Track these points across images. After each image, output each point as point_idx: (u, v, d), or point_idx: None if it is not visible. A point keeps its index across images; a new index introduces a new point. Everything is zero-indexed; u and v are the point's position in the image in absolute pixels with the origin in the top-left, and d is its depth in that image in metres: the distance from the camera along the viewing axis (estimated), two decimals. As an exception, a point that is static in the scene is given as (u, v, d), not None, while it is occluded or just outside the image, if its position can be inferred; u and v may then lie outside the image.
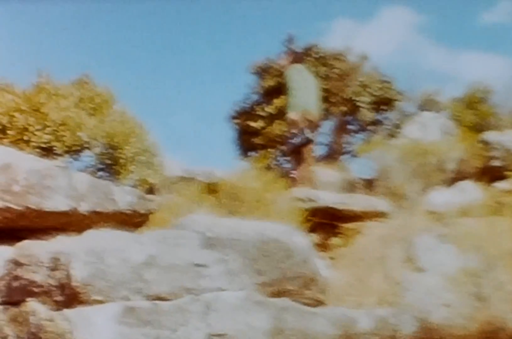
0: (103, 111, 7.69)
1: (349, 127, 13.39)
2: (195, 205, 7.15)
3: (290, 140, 10.19)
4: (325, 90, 11.60)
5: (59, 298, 4.46)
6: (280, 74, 11.73)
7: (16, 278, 4.70)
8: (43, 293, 4.52)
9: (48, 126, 7.01)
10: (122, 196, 5.91)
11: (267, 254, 5.31)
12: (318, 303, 5.65)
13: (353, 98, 12.83)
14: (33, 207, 5.30)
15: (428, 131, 10.74)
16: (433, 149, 9.50)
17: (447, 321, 6.22)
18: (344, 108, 12.91)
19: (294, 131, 9.89)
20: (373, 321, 5.55)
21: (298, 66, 10.39)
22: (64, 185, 5.45)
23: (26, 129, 6.92)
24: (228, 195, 7.62)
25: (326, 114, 12.26)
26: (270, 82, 12.91)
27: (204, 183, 8.05)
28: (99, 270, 4.44)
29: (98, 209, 5.66)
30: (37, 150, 6.81)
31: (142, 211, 6.08)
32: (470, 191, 8.79)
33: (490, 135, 9.89)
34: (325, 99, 11.47)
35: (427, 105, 12.90)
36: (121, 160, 7.35)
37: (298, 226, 6.60)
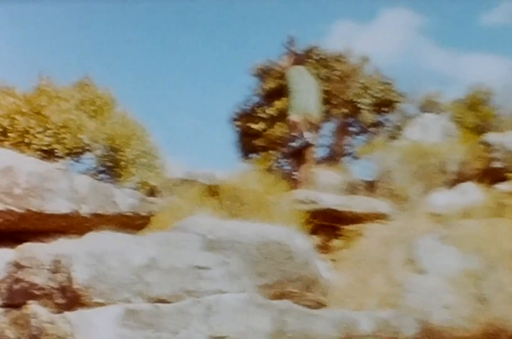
0: (104, 113, 7.69)
1: (350, 129, 13.39)
2: (196, 207, 7.15)
3: (290, 143, 10.18)
4: (326, 92, 11.61)
5: (60, 300, 4.45)
6: (281, 76, 11.73)
7: (17, 280, 4.69)
8: (44, 296, 4.51)
9: (49, 129, 7.01)
10: (123, 198, 5.90)
11: (269, 256, 5.31)
12: (320, 305, 5.64)
13: (354, 100, 12.83)
14: (34, 209, 5.30)
15: (429, 132, 10.74)
16: (434, 150, 9.50)
17: (448, 323, 6.22)
18: (345, 110, 12.91)
19: (294, 133, 9.89)
20: (374, 323, 5.54)
21: (300, 68, 10.39)
22: (65, 188, 5.45)
23: (27, 132, 6.93)
24: (229, 197, 7.62)
25: (327, 116, 12.26)
26: (271, 84, 12.91)
27: (205, 185, 8.05)
28: (100, 273, 4.44)
29: (99, 212, 5.66)
30: (38, 152, 6.82)
31: (143, 214, 6.08)
32: (472, 193, 8.78)
33: (491, 137, 9.88)
34: (326, 101, 11.48)
35: (428, 106, 12.90)
36: (122, 163, 7.35)
37: (299, 228, 6.61)
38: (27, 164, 5.51)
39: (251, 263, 5.18)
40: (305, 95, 10.00)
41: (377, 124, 13.14)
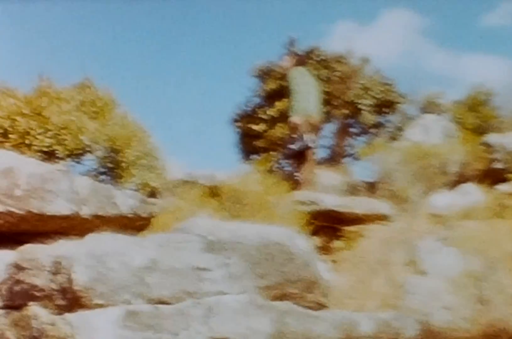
0: (104, 114, 7.69)
1: (351, 130, 13.38)
2: (197, 209, 7.15)
3: (289, 145, 10.16)
4: (327, 93, 11.59)
5: (61, 302, 4.46)
6: (282, 77, 11.72)
7: (18, 282, 4.70)
8: (45, 297, 4.51)
9: (50, 130, 7.01)
10: (124, 199, 5.91)
11: (269, 257, 5.30)
12: (320, 306, 5.64)
13: (355, 101, 12.82)
14: (34, 211, 5.30)
15: (430, 133, 10.74)
16: (435, 151, 9.50)
17: (449, 324, 6.22)
18: (346, 111, 12.90)
19: (294, 135, 9.87)
20: (375, 324, 5.54)
21: (301, 69, 10.36)
22: (65, 189, 5.45)
23: (27, 133, 6.93)
24: (230, 199, 7.62)
25: (328, 117, 12.25)
26: (272, 85, 12.90)
27: (206, 186, 8.05)
28: (101, 274, 4.44)
29: (99, 213, 5.66)
30: (39, 154, 6.81)
31: (144, 215, 6.08)
32: (472, 194, 8.79)
33: (492, 138, 9.89)
34: (327, 102, 11.47)
35: (429, 107, 12.89)
36: (123, 164, 7.35)
37: (300, 229, 6.60)
38: (27, 166, 5.51)
39: (252, 264, 5.18)
40: (306, 96, 9.97)
41: (377, 125, 13.14)
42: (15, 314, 4.63)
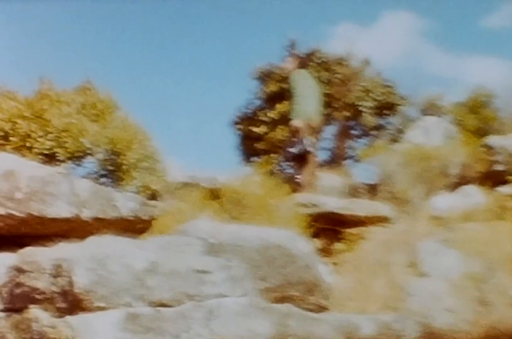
0: (105, 117, 7.70)
1: (352, 132, 13.41)
2: (198, 211, 7.15)
3: (289, 148, 10.14)
4: (328, 95, 11.59)
5: (62, 305, 4.45)
6: (283, 79, 11.74)
7: (19, 285, 4.69)
8: (46, 300, 4.51)
9: (51, 133, 7.02)
10: (125, 202, 5.90)
11: (270, 260, 5.31)
12: (321, 308, 5.64)
13: (356, 103, 12.84)
14: (35, 214, 5.29)
15: (431, 135, 10.73)
16: (436, 153, 9.50)
17: (450, 326, 6.21)
18: (346, 113, 12.92)
19: (294, 139, 9.84)
20: (376, 326, 5.53)
21: (303, 71, 10.31)
22: (66, 192, 5.45)
23: (28, 136, 6.94)
24: (231, 201, 7.62)
25: (329, 119, 12.27)
26: (272, 88, 12.92)
27: (207, 188, 8.05)
28: (102, 277, 4.44)
29: (100, 216, 5.65)
30: (40, 156, 6.83)
31: (145, 217, 6.08)
32: (473, 196, 8.78)
33: (493, 140, 9.87)
34: (328, 104, 11.47)
35: (430, 109, 12.90)
36: (123, 166, 7.36)
37: (301, 231, 6.60)
38: (28, 168, 5.51)
39: (253, 266, 5.18)
40: (309, 101, 9.91)
41: (378, 127, 13.16)
42: (16, 317, 4.63)
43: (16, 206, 5.26)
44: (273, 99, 12.74)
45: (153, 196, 7.43)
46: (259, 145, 12.64)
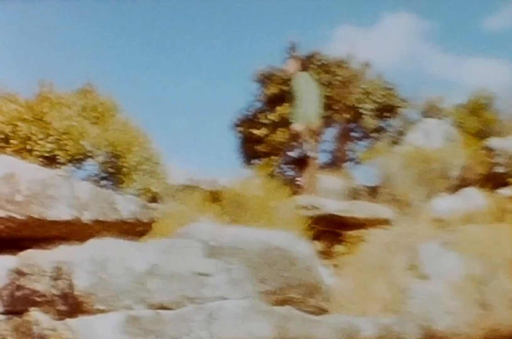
0: (106, 120, 7.70)
1: (352, 134, 13.39)
2: (198, 214, 7.15)
3: (288, 152, 10.13)
4: (328, 97, 11.59)
5: (62, 307, 4.46)
6: (283, 81, 11.74)
7: (19, 287, 4.70)
8: (46, 303, 4.51)
9: (51, 135, 7.02)
10: (125, 205, 5.89)
11: (271, 262, 5.30)
12: (322, 311, 5.63)
13: (356, 105, 12.83)
14: (35, 216, 5.29)
15: (432, 138, 10.73)
16: (437, 156, 9.49)
17: (451, 329, 6.21)
18: (347, 116, 12.91)
19: (294, 143, 9.82)
20: (376, 329, 5.53)
21: (305, 74, 10.27)
22: (66, 195, 5.44)
23: (29, 138, 6.94)
24: (232, 203, 7.62)
25: (329, 122, 12.26)
26: (273, 90, 12.91)
27: (208, 191, 8.05)
28: (102, 280, 4.44)
29: (100, 218, 5.64)
30: (40, 159, 6.82)
31: (145, 220, 6.07)
32: (474, 198, 8.77)
33: (493, 142, 9.87)
34: (328, 107, 11.47)
35: (430, 111, 12.90)
36: (124, 169, 7.36)
37: (301, 234, 6.61)
38: (28, 171, 5.51)
39: (253, 269, 5.18)
40: (310, 104, 9.88)
41: (379, 130, 13.14)
42: (17, 319, 4.63)
43: (17, 208, 5.25)
44: (273, 101, 12.73)
45: (154, 199, 7.43)
46: (260, 148, 12.63)
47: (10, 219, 5.26)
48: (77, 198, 5.51)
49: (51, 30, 19.70)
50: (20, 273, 4.72)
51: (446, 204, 8.69)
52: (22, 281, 4.67)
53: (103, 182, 7.38)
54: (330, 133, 13.18)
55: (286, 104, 11.33)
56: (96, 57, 19.34)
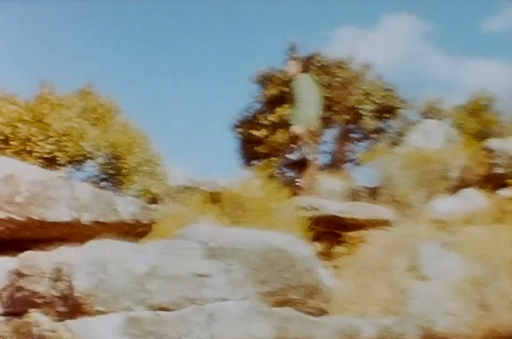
0: (106, 121, 7.70)
1: (352, 135, 13.40)
2: (198, 215, 7.15)
3: (288, 155, 10.11)
4: (328, 99, 11.57)
5: (62, 309, 4.45)
6: (283, 82, 11.74)
7: (19, 289, 4.69)
8: (46, 304, 4.51)
9: (51, 137, 7.03)
10: (125, 206, 5.89)
11: (271, 263, 5.30)
12: (322, 312, 5.63)
13: (356, 106, 12.83)
14: (35, 218, 5.29)
15: (431, 139, 10.73)
16: (437, 157, 9.49)
17: (451, 330, 6.21)
18: (347, 117, 12.92)
19: (294, 145, 9.78)
20: (377, 330, 5.52)
21: (306, 76, 10.23)
22: (66, 196, 5.44)
23: (29, 140, 6.94)
24: (232, 205, 7.61)
25: (329, 123, 12.27)
26: (273, 91, 12.92)
27: (207, 192, 8.05)
28: (102, 281, 4.44)
29: (100, 220, 5.64)
30: (40, 160, 6.83)
31: (145, 221, 6.07)
32: (474, 199, 8.77)
33: (493, 143, 9.87)
34: (328, 108, 11.45)
35: (430, 112, 12.90)
36: (124, 170, 7.36)
37: (301, 235, 6.60)
38: (28, 172, 5.51)
39: (253, 270, 5.18)
40: (311, 107, 9.84)
41: (379, 131, 13.15)
42: (16, 321, 4.63)
43: (17, 210, 5.25)
44: (273, 102, 12.74)
45: (154, 200, 7.43)
46: (260, 149, 12.63)
47: (10, 220, 5.26)
48: (77, 200, 5.51)
49: (51, 31, 19.72)
50: (20, 275, 4.72)
51: (446, 205, 8.69)
52: (22, 283, 4.67)
53: (103, 184, 7.38)
54: (330, 134, 13.21)
55: (286, 105, 11.33)
56: (96, 58, 19.35)
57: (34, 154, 6.88)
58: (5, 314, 4.76)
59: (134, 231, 5.94)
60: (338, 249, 7.89)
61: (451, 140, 10.84)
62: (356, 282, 6.92)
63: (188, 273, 4.80)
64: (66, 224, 5.46)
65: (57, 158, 7.00)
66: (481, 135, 11.32)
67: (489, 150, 9.72)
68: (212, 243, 5.23)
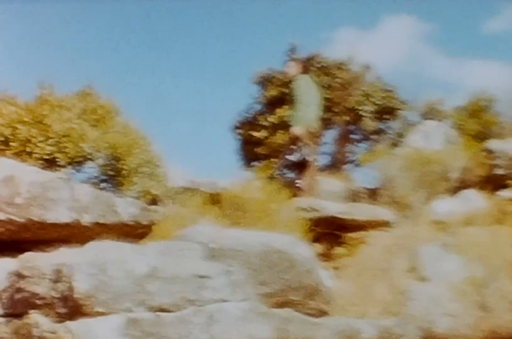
0: (106, 122, 7.70)
1: (352, 136, 13.41)
2: (198, 216, 7.14)
3: (287, 156, 10.10)
4: (328, 100, 11.56)
5: (62, 310, 4.45)
6: (283, 83, 11.74)
7: (19, 290, 4.69)
8: (46, 305, 4.51)
9: (51, 138, 7.02)
10: (125, 207, 5.89)
11: (271, 264, 5.30)
12: (322, 313, 5.63)
13: (356, 107, 12.84)
14: (35, 219, 5.29)
15: (431, 140, 10.73)
16: (437, 158, 9.49)
17: (451, 331, 6.21)
18: (347, 118, 12.93)
19: (293, 146, 9.77)
20: (377, 331, 5.52)
21: (306, 77, 10.22)
22: (66, 197, 5.44)
23: (29, 141, 6.94)
24: (232, 206, 7.61)
25: (329, 124, 12.27)
26: (272, 92, 12.93)
27: (207, 193, 8.04)
28: (102, 282, 4.44)
29: (100, 221, 5.64)
30: (40, 161, 6.82)
31: (145, 223, 6.07)
32: (474, 200, 8.77)
33: (493, 144, 9.87)
34: (328, 109, 11.45)
35: (430, 114, 12.90)
36: (124, 172, 7.36)
37: (301, 236, 6.60)
38: (28, 174, 5.51)
39: (253, 271, 5.18)
40: (311, 108, 9.83)
41: (379, 132, 13.16)
42: (16, 322, 4.63)
43: (17, 211, 5.25)
44: (273, 103, 12.75)
45: (154, 201, 7.43)
46: (260, 150, 12.64)
47: (10, 221, 5.26)
48: (77, 201, 5.51)
49: (51, 32, 19.72)
50: (20, 276, 4.72)
51: (446, 206, 8.69)
52: (22, 284, 4.67)
53: (103, 185, 7.38)
54: (330, 135, 13.22)
55: (286, 107, 11.33)
56: (96, 59, 19.36)
57: (34, 155, 6.87)
58: (5, 315, 4.76)
59: (134, 232, 5.94)
60: (338, 250, 7.89)
61: (451, 141, 10.84)
62: (356, 283, 6.92)
63: (188, 274, 4.80)
64: (66, 225, 5.46)
65: (57, 160, 6.99)
66: (481, 136, 11.33)
67: (489, 151, 9.72)
68: (212, 244, 5.23)
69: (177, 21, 20.72)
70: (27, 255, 4.96)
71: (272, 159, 12.19)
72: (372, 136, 13.13)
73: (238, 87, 20.54)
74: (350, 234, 8.01)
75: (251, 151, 12.84)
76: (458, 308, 6.41)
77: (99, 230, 5.55)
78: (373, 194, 9.26)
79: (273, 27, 20.66)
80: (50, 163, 6.91)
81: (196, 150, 18.19)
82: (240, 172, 11.94)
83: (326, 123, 11.57)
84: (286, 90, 10.72)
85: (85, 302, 4.37)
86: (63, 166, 7.04)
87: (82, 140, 7.16)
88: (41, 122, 7.07)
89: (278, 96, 12.55)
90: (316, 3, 18.31)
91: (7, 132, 6.94)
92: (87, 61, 18.25)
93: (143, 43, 21.27)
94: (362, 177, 13.62)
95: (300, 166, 9.74)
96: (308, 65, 10.95)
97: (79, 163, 7.24)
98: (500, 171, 9.42)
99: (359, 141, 13.46)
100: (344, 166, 12.81)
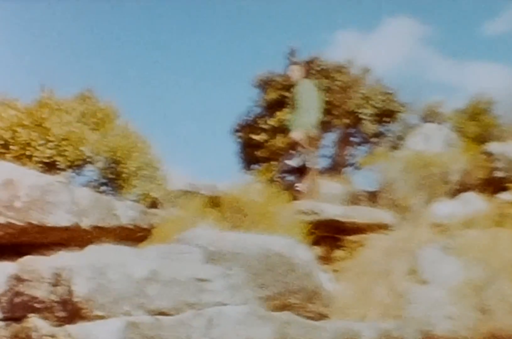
0: (105, 125, 7.69)
1: (352, 139, 13.38)
2: (198, 219, 7.14)
3: (286, 161, 10.10)
4: (328, 103, 11.54)
5: (61, 313, 4.46)
6: (283, 87, 11.73)
7: (18, 293, 4.70)
8: (45, 309, 4.51)
9: (51, 141, 7.01)
10: (124, 211, 5.90)
11: (270, 268, 5.30)
12: (322, 316, 5.63)
13: (356, 110, 12.82)
14: (35, 222, 5.30)
15: (431, 142, 10.73)
16: (436, 160, 9.49)
17: (451, 334, 6.21)
18: (346, 121, 12.90)
19: (293, 151, 9.77)
20: (376, 334, 5.53)
21: (308, 81, 10.21)
22: (66, 201, 5.45)
23: (28, 144, 6.92)
24: (231, 209, 7.61)
25: (329, 127, 12.26)
26: (272, 95, 12.90)
27: (207, 196, 8.04)
28: (101, 286, 4.44)
29: (100, 224, 5.65)
30: (40, 165, 6.81)
31: (145, 226, 6.08)
32: (474, 203, 8.77)
33: (493, 146, 9.87)
34: (328, 112, 11.44)
35: (430, 116, 12.89)
36: (123, 175, 7.34)
37: (301, 239, 6.60)
38: (27, 177, 5.51)
39: (253, 275, 5.18)
40: (311, 113, 9.82)
41: (378, 134, 13.13)
42: (16, 325, 4.63)
43: (16, 215, 5.26)
44: (273, 106, 12.73)
45: (153, 204, 7.42)
46: (259, 153, 12.61)
47: (10, 225, 5.27)
48: (77, 204, 5.52)
49: (50, 33, 19.73)
50: (19, 279, 4.72)
51: (446, 208, 8.68)
52: (21, 287, 4.67)
53: (103, 188, 7.36)
54: (330, 138, 13.18)
55: (285, 110, 11.32)
56: (96, 61, 19.37)
57: (33, 158, 6.86)
58: (4, 319, 4.77)
59: (134, 235, 5.95)
60: (338, 253, 7.89)
61: (451, 143, 10.84)
62: (356, 286, 6.92)
63: (187, 278, 4.81)
64: (66, 229, 5.47)
65: (57, 163, 6.98)
66: (481, 139, 11.32)
67: (489, 154, 9.72)
68: (212, 248, 5.24)
69: (177, 24, 20.74)
70: (27, 258, 4.96)
71: (272, 162, 12.18)
72: (372, 139, 13.10)
73: (238, 90, 20.54)
74: (349, 237, 8.01)
75: (251, 154, 12.81)
76: (457, 311, 6.41)
77: (98, 234, 5.56)
78: (373, 197, 9.26)
79: (273, 29, 20.65)
80: (50, 167, 6.90)
81: (196, 153, 18.19)
82: (240, 175, 11.93)
83: (326, 126, 11.56)
84: (286, 93, 10.73)
85: (84, 306, 4.38)
86: (63, 170, 7.02)
87: (82, 144, 7.15)
88: (41, 126, 7.06)
89: (278, 99, 12.53)
90: (316, 5, 18.34)
91: (7, 135, 6.93)
92: (87, 62, 18.25)
93: (143, 46, 21.27)
94: (362, 180, 13.60)
95: (300, 170, 9.74)
96: (309, 68, 10.95)
97: (79, 166, 7.23)
98: (499, 174, 9.41)
99: (359, 144, 13.43)
100: (344, 169, 12.79)
